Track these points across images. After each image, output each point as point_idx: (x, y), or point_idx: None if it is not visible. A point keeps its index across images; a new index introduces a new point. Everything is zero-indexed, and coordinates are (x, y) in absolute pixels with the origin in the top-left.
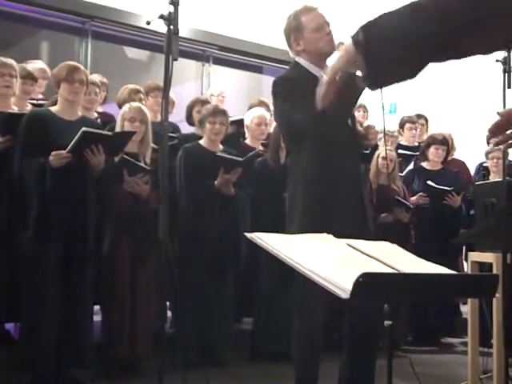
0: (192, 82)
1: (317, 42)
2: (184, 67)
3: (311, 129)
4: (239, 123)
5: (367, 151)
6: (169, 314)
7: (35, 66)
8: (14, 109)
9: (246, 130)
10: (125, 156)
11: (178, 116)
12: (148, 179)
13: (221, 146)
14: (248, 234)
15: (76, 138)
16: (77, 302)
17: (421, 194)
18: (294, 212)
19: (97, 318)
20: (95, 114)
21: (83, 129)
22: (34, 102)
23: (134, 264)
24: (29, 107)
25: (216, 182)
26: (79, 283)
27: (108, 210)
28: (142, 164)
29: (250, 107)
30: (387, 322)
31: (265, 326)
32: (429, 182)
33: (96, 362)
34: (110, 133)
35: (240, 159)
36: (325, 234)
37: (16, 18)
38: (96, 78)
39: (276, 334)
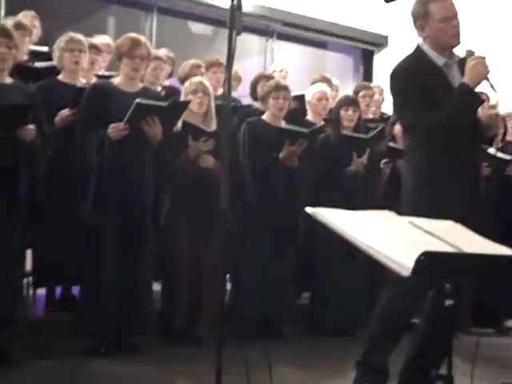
0: (255, 57)
1: (442, 33)
2: (248, 43)
3: (445, 129)
4: (301, 99)
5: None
6: (229, 285)
7: (101, 40)
8: (82, 81)
9: (307, 105)
10: (187, 120)
11: (241, 91)
12: (212, 143)
13: (283, 122)
14: (309, 209)
15: (130, 109)
16: (136, 272)
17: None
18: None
19: (157, 287)
20: (160, 88)
21: (136, 100)
22: (100, 74)
23: (196, 235)
24: (94, 80)
25: (281, 155)
26: (139, 253)
27: (167, 181)
28: (202, 126)
29: (313, 83)
30: (448, 302)
31: (322, 301)
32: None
33: (156, 331)
34: (163, 103)
35: (305, 130)
36: (387, 211)
37: None
38: (162, 52)
39: (333, 310)
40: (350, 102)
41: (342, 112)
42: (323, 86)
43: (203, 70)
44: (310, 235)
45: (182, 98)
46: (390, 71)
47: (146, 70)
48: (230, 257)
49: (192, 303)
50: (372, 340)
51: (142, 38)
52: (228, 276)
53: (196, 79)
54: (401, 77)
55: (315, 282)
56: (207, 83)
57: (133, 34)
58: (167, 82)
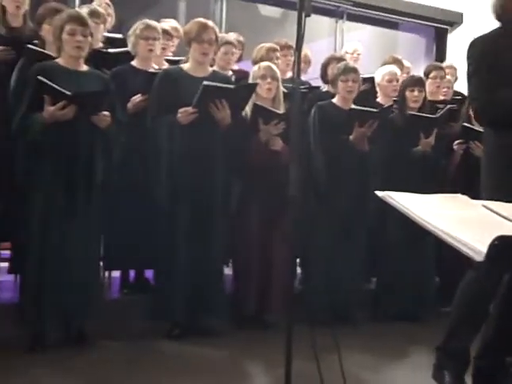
0: (325, 39)
1: None
2: (317, 24)
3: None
4: (371, 81)
5: None
6: (299, 270)
7: (169, 24)
8: (154, 67)
9: (377, 87)
10: (257, 103)
11: (311, 73)
12: (283, 126)
13: (353, 105)
14: (379, 193)
15: (198, 92)
16: (209, 256)
17: None
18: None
19: (227, 272)
20: (230, 72)
21: (204, 83)
22: (170, 58)
23: (267, 220)
24: (166, 65)
25: (351, 137)
26: (210, 237)
27: (237, 165)
28: (274, 109)
29: (383, 65)
30: None
31: (388, 285)
32: None
33: (227, 315)
34: (231, 86)
35: (375, 110)
36: (459, 195)
37: None
38: (232, 36)
39: (400, 294)
40: (415, 82)
41: (408, 93)
42: (393, 68)
43: (278, 54)
44: (379, 219)
45: (250, 81)
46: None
47: (215, 54)
48: (299, 241)
49: (262, 288)
50: (451, 325)
51: (210, 23)
52: (298, 261)
53: (264, 64)
54: (478, 46)
55: (381, 266)
56: (275, 68)
57: (200, 19)
58: (236, 67)
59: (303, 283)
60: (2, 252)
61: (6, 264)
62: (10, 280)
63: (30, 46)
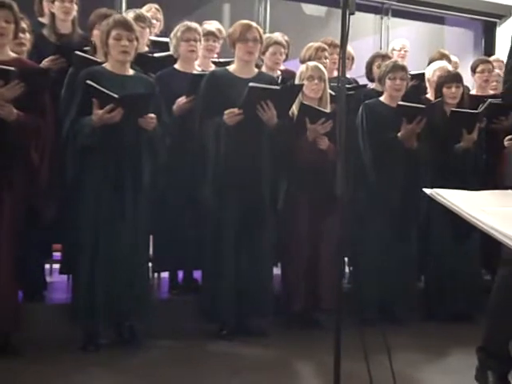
0: (370, 36)
1: None
2: (362, 21)
3: None
4: (419, 77)
5: None
6: (347, 269)
7: (212, 26)
8: (198, 69)
9: (427, 83)
10: (304, 102)
11: (356, 72)
12: (330, 124)
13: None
14: (427, 190)
15: (244, 93)
16: (256, 255)
17: None
18: None
19: (275, 271)
20: (278, 73)
21: (250, 84)
22: (216, 60)
23: (315, 218)
24: (212, 67)
25: (399, 134)
26: (258, 237)
27: (284, 165)
28: (321, 108)
29: (431, 60)
30: None
31: (438, 284)
32: None
33: (276, 314)
34: (277, 87)
35: (423, 106)
36: (508, 191)
37: None
38: (281, 37)
39: (450, 293)
40: (452, 78)
41: (445, 90)
42: (444, 63)
43: (327, 53)
44: (428, 216)
45: (297, 81)
46: None
47: (261, 54)
48: (348, 240)
49: (310, 286)
50: (490, 323)
51: (253, 23)
52: (346, 259)
53: (312, 64)
54: None
55: (430, 264)
56: (323, 68)
57: (243, 21)
58: (282, 66)
59: (352, 281)
60: (54, 253)
61: (58, 265)
62: (62, 281)
63: (78, 52)
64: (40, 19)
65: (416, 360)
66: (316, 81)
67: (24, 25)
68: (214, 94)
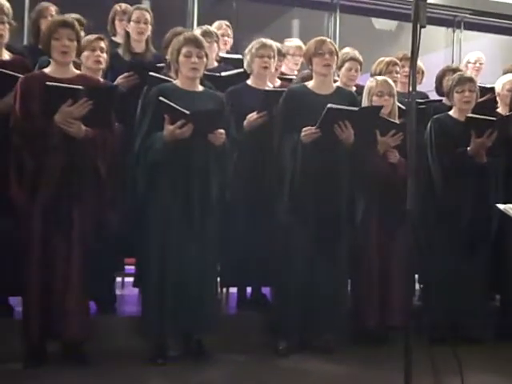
0: (442, 50)
1: None
2: (433, 35)
3: None
4: (492, 91)
5: None
6: (417, 285)
7: (291, 44)
8: (269, 85)
9: (497, 97)
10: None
11: (427, 86)
12: (400, 137)
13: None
14: (500, 206)
15: (322, 114)
16: (331, 271)
17: None
18: None
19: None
20: (354, 88)
21: (328, 105)
22: (284, 76)
23: (386, 233)
24: (278, 83)
25: (469, 149)
26: (333, 253)
27: (361, 182)
28: (393, 120)
29: (505, 73)
30: None
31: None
32: None
33: (346, 330)
34: (355, 108)
35: (493, 119)
36: None
37: None
38: (354, 53)
39: None
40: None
41: None
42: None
43: (398, 68)
44: (501, 232)
45: (365, 97)
46: None
47: (337, 68)
48: (417, 256)
49: (381, 302)
50: None
51: (327, 38)
52: (416, 276)
53: (380, 79)
54: None
55: (505, 282)
56: (392, 82)
57: (317, 37)
58: None
59: (422, 298)
60: (127, 267)
61: (130, 278)
62: (135, 294)
63: (152, 73)
64: (113, 38)
65: (489, 380)
66: (386, 96)
67: (103, 45)
68: (293, 111)
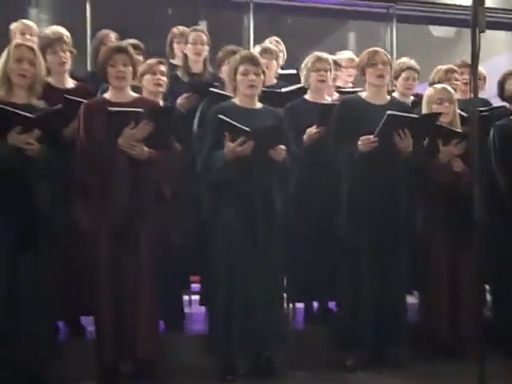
0: (503, 54)
1: None
2: (494, 38)
3: None
4: None
5: None
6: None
7: (343, 56)
8: (327, 99)
9: None
10: (439, 123)
11: (489, 92)
12: (464, 145)
13: None
14: None
15: (382, 121)
16: (392, 283)
17: None
18: None
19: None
20: (411, 98)
21: (388, 112)
22: (342, 90)
23: (452, 244)
24: (336, 96)
25: None
26: (394, 264)
27: (418, 191)
28: (454, 128)
29: None
30: None
31: None
32: None
33: (415, 344)
34: (415, 115)
35: None
36: None
37: (325, 12)
38: (413, 62)
39: None
40: None
41: None
42: None
43: (457, 75)
44: None
45: (425, 105)
46: None
47: (392, 78)
48: (487, 266)
49: (451, 315)
50: None
51: (379, 49)
52: (487, 286)
53: (439, 86)
54: None
55: None
56: (451, 90)
57: (370, 49)
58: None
59: (494, 310)
60: (193, 285)
61: (196, 296)
62: (202, 312)
63: (212, 89)
64: (172, 61)
65: None
66: (446, 103)
67: (163, 68)
68: (347, 122)
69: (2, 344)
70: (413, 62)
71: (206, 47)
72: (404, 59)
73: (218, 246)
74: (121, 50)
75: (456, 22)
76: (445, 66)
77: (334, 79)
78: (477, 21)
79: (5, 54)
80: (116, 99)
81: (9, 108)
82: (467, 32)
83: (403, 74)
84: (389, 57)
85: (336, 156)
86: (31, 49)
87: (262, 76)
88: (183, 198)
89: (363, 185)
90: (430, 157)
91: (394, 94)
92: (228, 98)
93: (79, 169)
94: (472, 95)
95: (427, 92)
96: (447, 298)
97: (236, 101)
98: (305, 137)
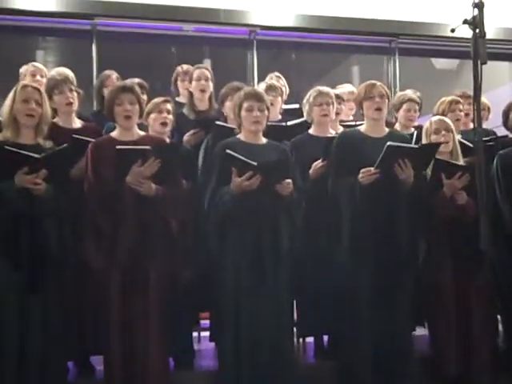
0: (506, 84)
1: None
2: (497, 69)
3: None
4: None
5: None
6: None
7: (344, 89)
8: (331, 132)
9: None
10: (438, 157)
11: (494, 122)
12: (467, 178)
13: None
14: None
15: (382, 152)
16: (396, 317)
17: None
18: None
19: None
20: (412, 130)
21: (388, 143)
22: (346, 123)
23: (460, 276)
24: (340, 129)
25: None
26: (397, 297)
27: (420, 223)
28: (456, 162)
29: None
30: None
31: None
32: None
33: (426, 378)
34: (415, 146)
35: None
36: None
37: (328, 46)
38: (414, 94)
39: None
40: None
41: None
42: None
43: (461, 106)
44: None
45: (424, 138)
46: None
47: (394, 111)
48: (496, 297)
49: (463, 346)
50: None
51: (377, 82)
52: (499, 317)
53: (435, 118)
54: None
55: None
56: (448, 120)
57: (368, 82)
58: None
59: (507, 341)
60: (203, 322)
61: (206, 333)
62: (211, 348)
63: (218, 122)
64: (177, 99)
65: None
66: (443, 132)
67: (169, 106)
68: (346, 155)
69: None
70: (413, 94)
71: (211, 84)
72: (407, 91)
73: (225, 283)
74: (127, 90)
75: (458, 54)
76: (449, 98)
77: (338, 113)
78: (478, 53)
79: (11, 94)
80: (123, 138)
81: (14, 149)
82: (469, 63)
83: (404, 106)
84: (386, 89)
85: (336, 189)
86: (37, 89)
87: (266, 112)
88: (191, 234)
89: (364, 217)
90: (434, 190)
91: (396, 126)
92: (233, 130)
93: (89, 209)
94: (475, 125)
95: (425, 125)
96: (455, 330)
97: (241, 136)
98: (311, 171)
